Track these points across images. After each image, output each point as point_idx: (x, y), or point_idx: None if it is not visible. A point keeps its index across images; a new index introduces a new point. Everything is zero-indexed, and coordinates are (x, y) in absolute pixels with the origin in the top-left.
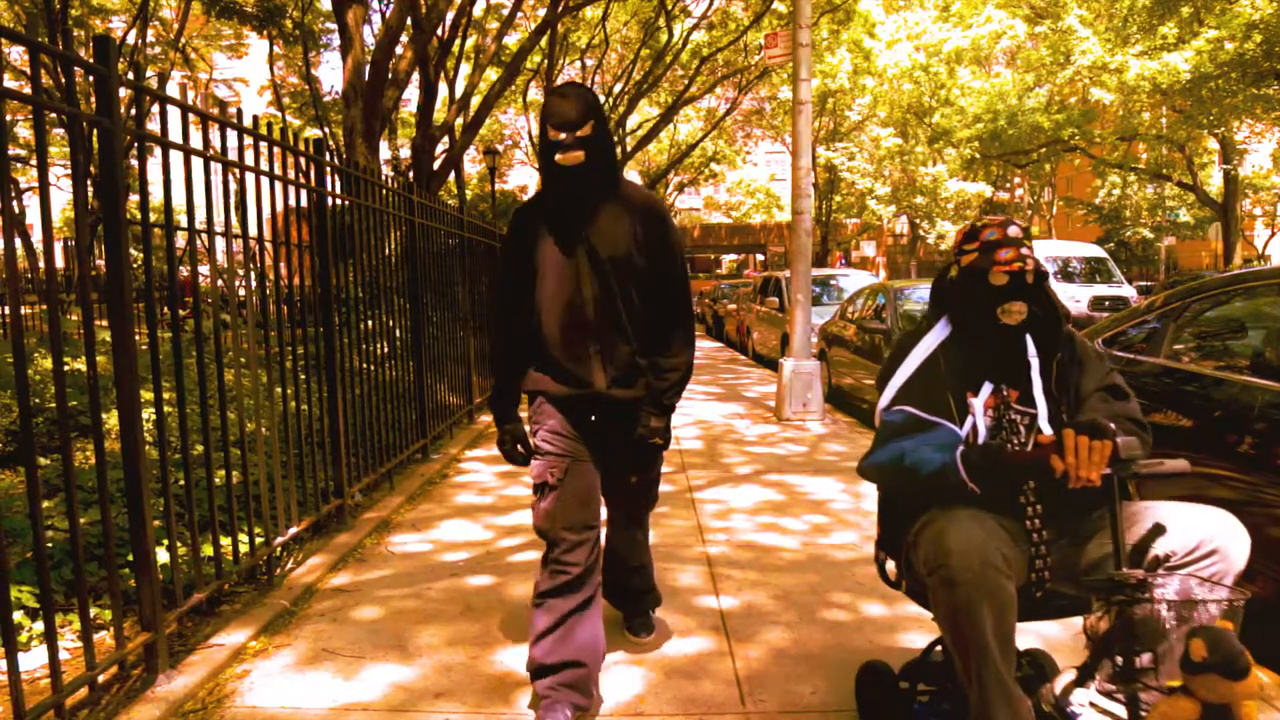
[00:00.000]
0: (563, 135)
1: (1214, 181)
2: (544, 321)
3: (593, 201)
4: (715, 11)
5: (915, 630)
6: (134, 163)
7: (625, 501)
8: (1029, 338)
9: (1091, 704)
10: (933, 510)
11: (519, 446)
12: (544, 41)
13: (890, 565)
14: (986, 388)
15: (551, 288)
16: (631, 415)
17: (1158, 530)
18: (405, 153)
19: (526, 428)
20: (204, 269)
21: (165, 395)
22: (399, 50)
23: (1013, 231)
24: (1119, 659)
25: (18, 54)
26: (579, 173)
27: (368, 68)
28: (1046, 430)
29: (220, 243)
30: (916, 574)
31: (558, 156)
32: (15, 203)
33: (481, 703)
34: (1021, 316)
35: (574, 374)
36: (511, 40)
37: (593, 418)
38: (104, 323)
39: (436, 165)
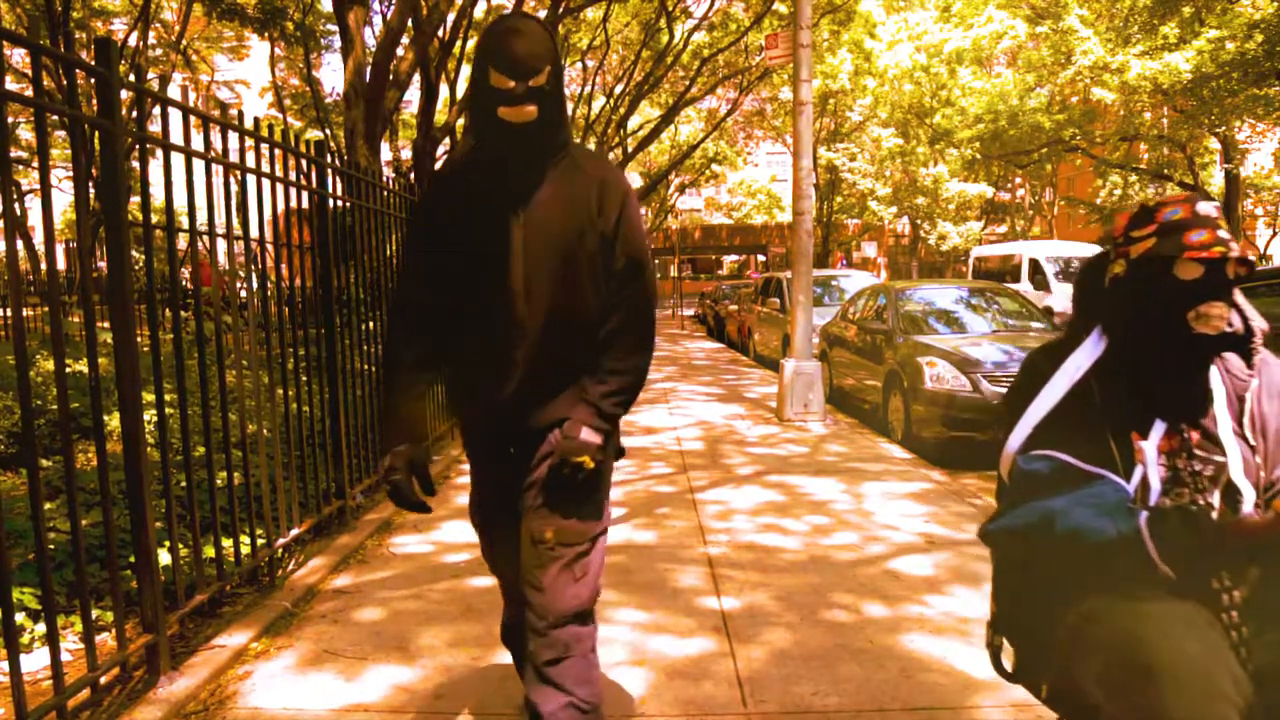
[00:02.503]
0: (512, 83)
1: (1215, 181)
2: (458, 320)
3: (539, 169)
4: (716, 12)
5: (917, 631)
6: (135, 164)
7: (539, 574)
8: (1219, 358)
9: None
10: (1097, 596)
11: (413, 482)
12: None
13: (1007, 650)
14: (1159, 427)
15: (471, 276)
16: (558, 422)
17: None
18: (407, 154)
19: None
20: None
21: (167, 397)
22: (400, 52)
23: (1204, 209)
24: None
25: (19, 56)
26: (528, 133)
27: (369, 69)
28: (1241, 483)
29: (222, 244)
30: (1077, 686)
31: (502, 111)
32: (17, 205)
33: (483, 704)
34: (1223, 323)
35: (485, 390)
36: None
37: (511, 449)
38: (106, 324)
39: (437, 166)
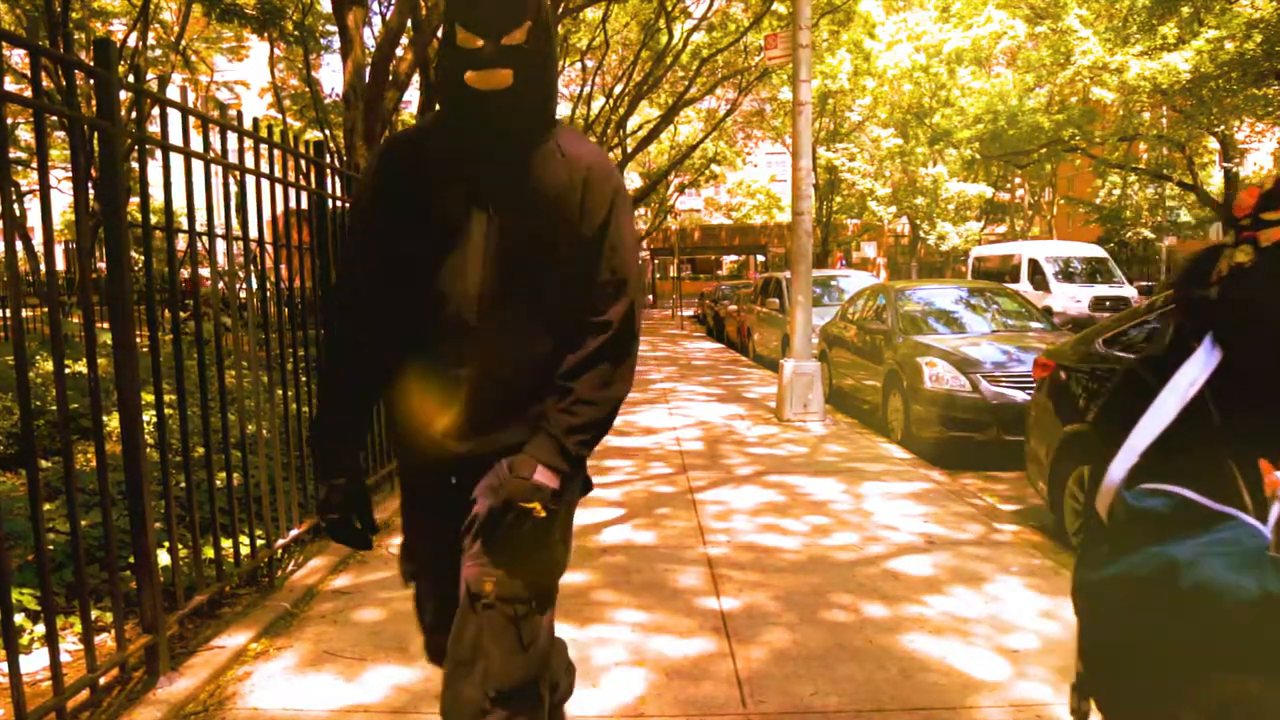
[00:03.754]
0: (480, 42)
1: (1214, 181)
2: (400, 325)
3: (513, 149)
4: (715, 13)
5: (916, 632)
6: (134, 165)
7: (475, 635)
8: None
9: None
10: (1244, 676)
11: (352, 516)
12: None
13: None
14: None
15: (420, 274)
16: (505, 457)
17: None
18: None
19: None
20: (205, 271)
21: (166, 397)
22: (399, 52)
23: None
24: None
25: (19, 57)
26: (501, 104)
27: (368, 69)
28: None
29: (221, 245)
30: None
31: (469, 75)
32: (16, 205)
33: None
34: None
35: (425, 408)
36: None
37: (453, 479)
38: (105, 325)
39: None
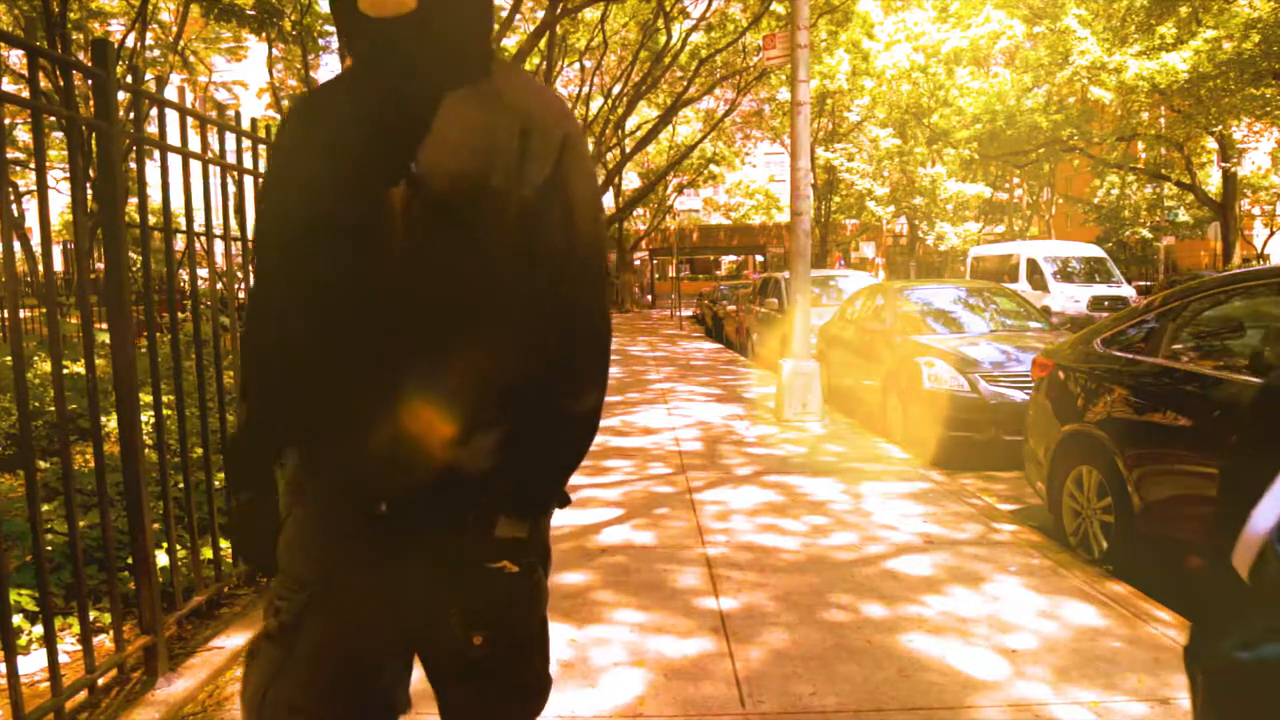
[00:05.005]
0: None
1: (1213, 181)
2: (299, 319)
3: (431, 93)
4: (714, 13)
5: (914, 631)
6: (133, 166)
7: (468, 699)
8: None
9: None
10: None
11: (264, 536)
12: (543, 43)
13: None
14: None
15: (330, 254)
16: (465, 508)
17: None
18: None
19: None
20: (203, 272)
21: (164, 398)
22: None
23: None
24: None
25: (17, 57)
26: (405, 36)
27: None
28: None
29: (219, 245)
30: None
31: (362, 1)
32: (14, 206)
33: None
34: None
35: (338, 432)
36: (510, 42)
37: (382, 506)
38: (103, 326)
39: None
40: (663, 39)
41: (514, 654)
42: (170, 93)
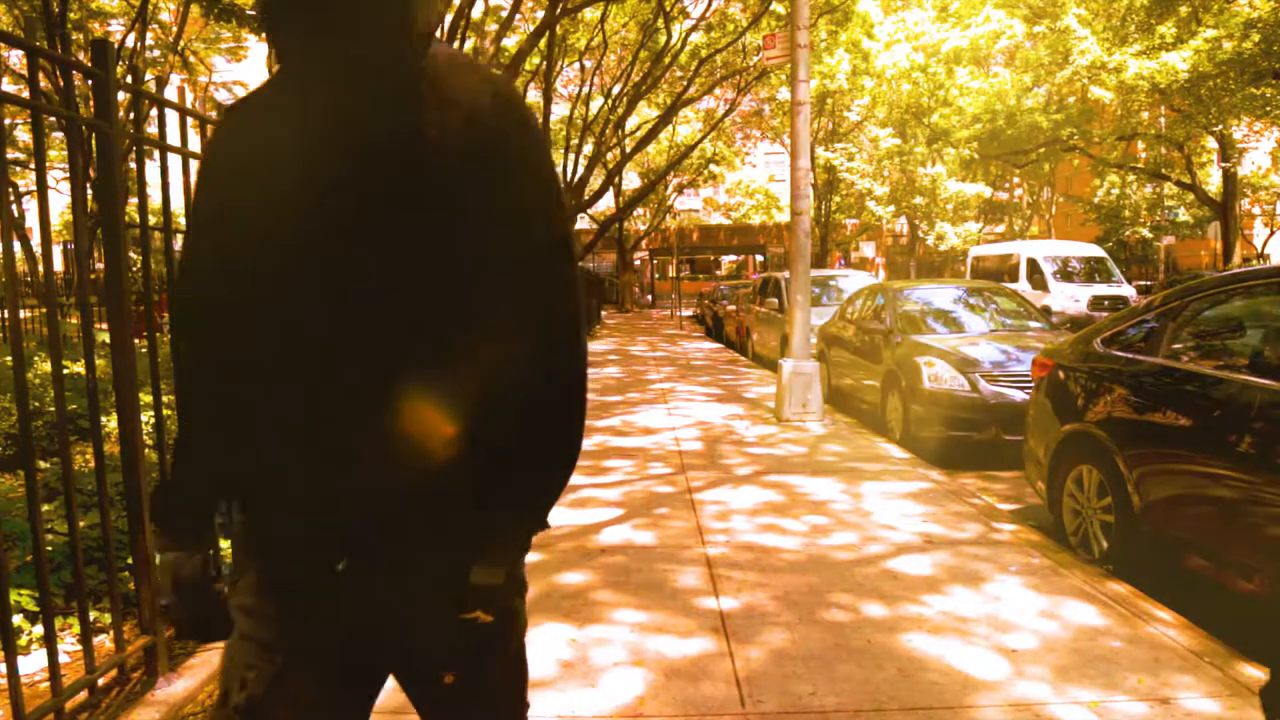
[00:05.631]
0: None
1: (1213, 180)
2: (234, 346)
3: (362, 82)
4: (714, 13)
5: (914, 631)
6: (133, 166)
7: None
8: None
9: None
10: None
11: (196, 601)
12: (543, 43)
13: None
14: None
15: (254, 275)
16: (432, 551)
17: None
18: None
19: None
20: None
21: (164, 398)
22: None
23: None
24: None
25: (17, 58)
26: (321, 21)
27: None
28: None
29: None
30: None
31: None
32: (14, 206)
33: None
34: None
35: (287, 480)
36: (510, 42)
37: (339, 566)
38: (103, 325)
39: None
40: (663, 39)
41: (488, 689)
42: (170, 93)
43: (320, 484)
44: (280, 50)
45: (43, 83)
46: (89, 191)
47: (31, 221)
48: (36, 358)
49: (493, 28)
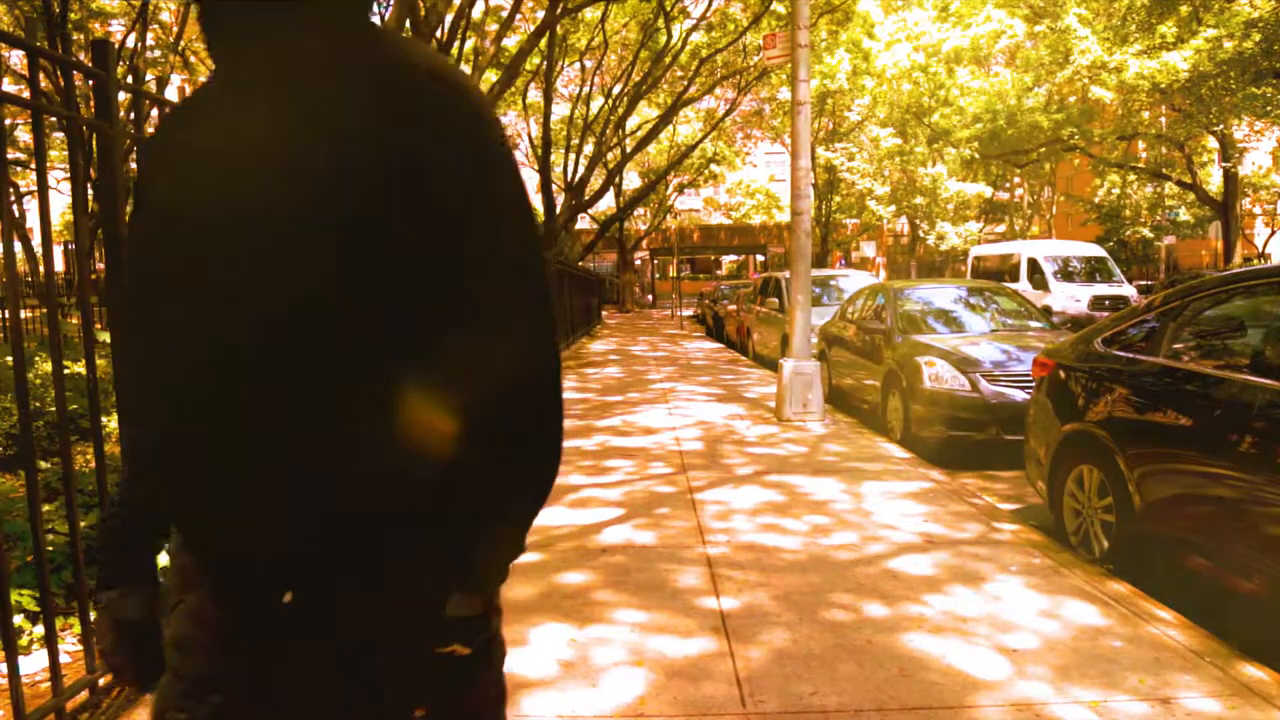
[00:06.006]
0: None
1: (1214, 180)
2: (175, 361)
3: (291, 77)
4: (714, 13)
5: (915, 631)
6: (133, 166)
7: None
8: None
9: None
10: None
11: (139, 644)
12: (543, 43)
13: None
14: None
15: (191, 285)
16: (398, 581)
17: None
18: None
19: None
20: None
21: None
22: None
23: None
24: None
25: (17, 58)
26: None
27: None
28: None
29: None
30: None
31: None
32: (15, 206)
33: None
34: None
35: (227, 502)
36: (510, 42)
37: (286, 597)
38: (103, 325)
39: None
40: (663, 39)
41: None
42: (171, 93)
43: (266, 508)
44: (219, 50)
45: (44, 83)
46: (90, 192)
47: (32, 221)
48: (37, 358)
49: (493, 28)
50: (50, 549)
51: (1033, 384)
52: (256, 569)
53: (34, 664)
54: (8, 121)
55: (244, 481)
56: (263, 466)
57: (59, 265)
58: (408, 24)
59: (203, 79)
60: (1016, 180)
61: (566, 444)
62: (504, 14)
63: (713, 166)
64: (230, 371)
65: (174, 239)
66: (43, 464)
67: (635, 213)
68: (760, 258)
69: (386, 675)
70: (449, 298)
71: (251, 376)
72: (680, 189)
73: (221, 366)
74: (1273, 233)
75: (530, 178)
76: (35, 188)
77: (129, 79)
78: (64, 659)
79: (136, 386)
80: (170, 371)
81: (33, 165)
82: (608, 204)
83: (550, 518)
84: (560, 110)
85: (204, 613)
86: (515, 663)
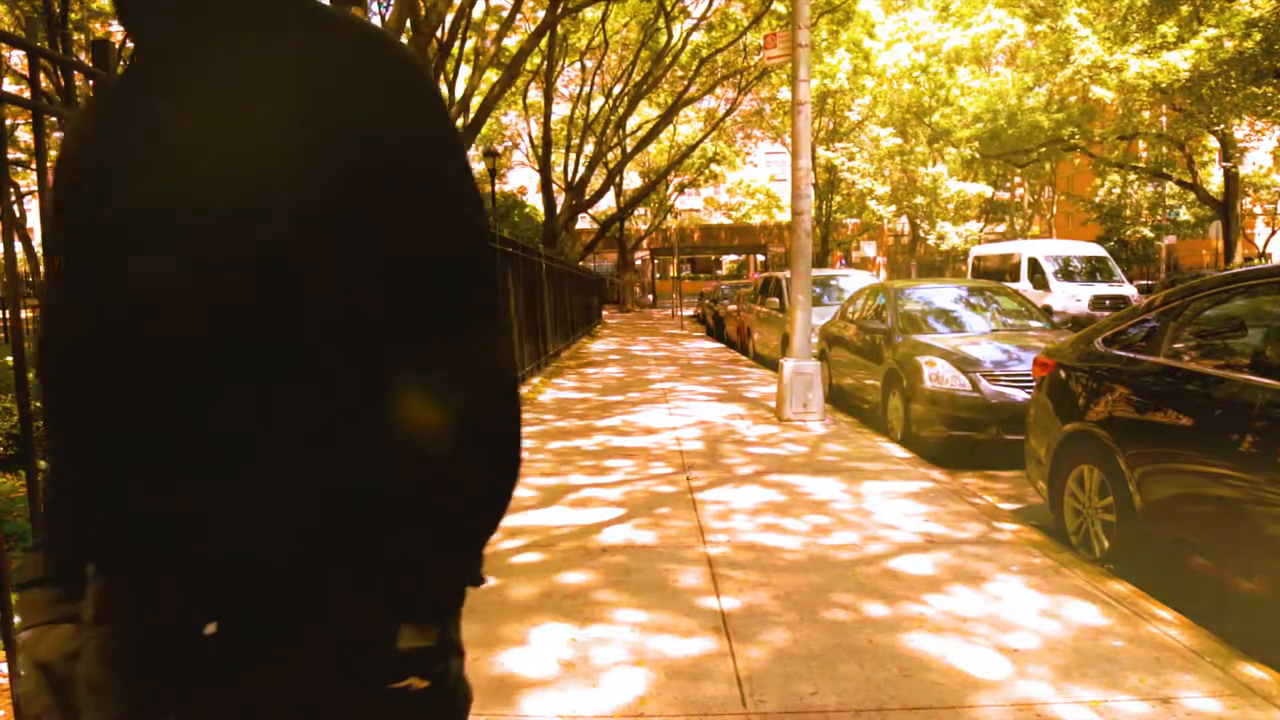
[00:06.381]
0: None
1: (1214, 180)
2: (92, 373)
3: (207, 66)
4: (714, 12)
5: (916, 630)
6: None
7: None
8: None
9: None
10: None
11: (63, 684)
12: (543, 43)
13: None
14: None
15: (102, 284)
16: (341, 612)
17: None
18: None
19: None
20: None
21: None
22: None
23: None
24: None
25: (18, 58)
26: None
27: None
28: None
29: None
30: None
31: None
32: (15, 206)
33: (483, 704)
34: None
35: (153, 516)
36: (511, 42)
37: (209, 627)
38: None
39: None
40: (663, 38)
41: None
42: None
43: (188, 530)
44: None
45: (44, 83)
46: None
47: (33, 222)
48: None
49: (493, 27)
50: None
51: (1033, 384)
52: (177, 593)
53: None
54: (8, 121)
55: (166, 508)
56: (185, 491)
57: None
58: (408, 24)
59: None
60: (1017, 180)
61: (568, 443)
62: (504, 14)
63: (713, 166)
64: (169, 384)
65: (99, 234)
66: (43, 464)
67: (635, 212)
68: (760, 257)
69: (337, 717)
70: (402, 275)
71: (190, 393)
72: (680, 189)
73: (162, 376)
74: (1273, 232)
75: (531, 177)
76: (35, 188)
77: None
78: None
79: (50, 389)
80: (109, 375)
81: (33, 165)
82: (608, 204)
83: (551, 517)
84: (561, 110)
85: (116, 648)
86: (515, 663)
